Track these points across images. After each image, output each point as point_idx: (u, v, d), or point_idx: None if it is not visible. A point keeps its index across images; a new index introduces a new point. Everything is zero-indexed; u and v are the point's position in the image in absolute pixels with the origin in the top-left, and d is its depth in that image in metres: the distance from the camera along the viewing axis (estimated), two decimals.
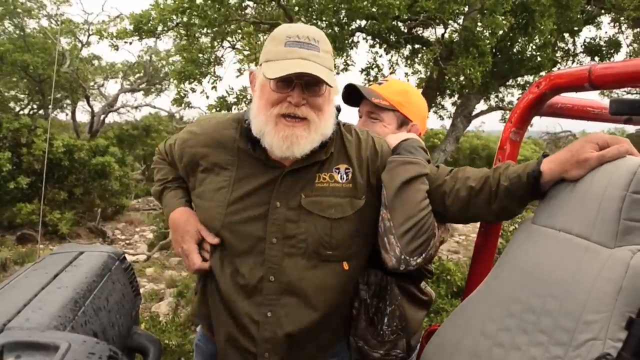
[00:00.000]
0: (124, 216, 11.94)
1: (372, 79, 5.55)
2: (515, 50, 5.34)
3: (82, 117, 17.81)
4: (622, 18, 5.87)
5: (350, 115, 1.88)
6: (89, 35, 13.07)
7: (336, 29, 5.17)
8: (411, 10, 4.67)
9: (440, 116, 7.06)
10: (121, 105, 15.41)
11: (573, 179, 1.19)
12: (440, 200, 1.39)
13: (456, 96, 6.09)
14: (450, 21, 5.20)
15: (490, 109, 6.68)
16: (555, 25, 4.77)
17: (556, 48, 5.68)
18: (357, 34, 5.67)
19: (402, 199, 1.34)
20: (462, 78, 4.68)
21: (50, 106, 12.66)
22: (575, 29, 5.56)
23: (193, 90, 5.31)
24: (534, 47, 5.26)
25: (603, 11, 5.89)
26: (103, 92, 15.12)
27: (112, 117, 15.70)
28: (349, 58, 5.67)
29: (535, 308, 1.15)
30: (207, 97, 5.23)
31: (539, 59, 5.24)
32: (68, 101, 13.76)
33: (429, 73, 5.67)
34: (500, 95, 6.66)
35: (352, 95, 1.74)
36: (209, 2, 4.97)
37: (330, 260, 1.38)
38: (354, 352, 1.60)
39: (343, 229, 1.37)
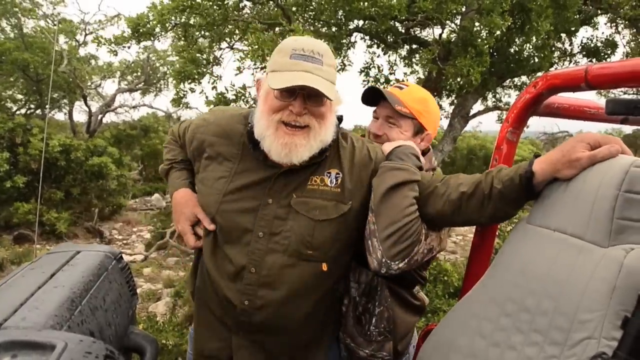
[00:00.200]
0: (122, 216, 11.91)
1: (371, 79, 5.55)
2: (512, 50, 5.35)
3: (80, 117, 17.81)
4: (618, 18, 5.89)
5: (367, 114, 1.87)
6: (86, 35, 13.06)
7: (334, 29, 5.17)
8: (409, 10, 4.68)
9: None
10: (119, 105, 15.41)
11: (565, 178, 1.19)
12: (432, 206, 1.41)
13: (454, 96, 6.09)
14: (447, 21, 5.20)
15: (488, 109, 6.69)
16: (552, 26, 4.78)
17: (553, 48, 5.69)
18: (355, 34, 5.67)
19: (387, 203, 1.37)
20: (459, 79, 4.68)
21: (47, 106, 12.63)
22: (572, 29, 5.56)
23: (192, 91, 5.30)
24: (531, 47, 5.27)
25: (600, 11, 5.90)
26: (100, 92, 15.11)
27: (109, 117, 15.70)
28: (346, 58, 5.67)
29: (530, 308, 1.16)
30: (206, 97, 5.23)
31: (536, 59, 5.24)
32: (65, 101, 13.73)
33: (426, 73, 5.67)
34: (498, 96, 6.67)
35: (371, 95, 1.73)
36: (209, 2, 4.96)
37: (310, 259, 1.43)
38: (343, 348, 1.66)
39: (325, 231, 1.42)
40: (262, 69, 4.83)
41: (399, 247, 1.33)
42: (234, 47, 5.75)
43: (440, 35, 5.48)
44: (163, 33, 5.43)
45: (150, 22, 5.18)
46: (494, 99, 6.67)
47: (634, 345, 0.94)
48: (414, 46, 5.95)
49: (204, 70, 5.26)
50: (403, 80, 5.67)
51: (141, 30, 5.23)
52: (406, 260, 1.35)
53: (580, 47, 6.25)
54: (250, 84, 5.07)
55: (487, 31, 4.61)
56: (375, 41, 5.86)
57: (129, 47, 5.55)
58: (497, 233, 1.79)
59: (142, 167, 15.82)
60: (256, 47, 4.36)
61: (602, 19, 6.29)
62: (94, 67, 14.50)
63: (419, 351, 1.54)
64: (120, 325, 1.25)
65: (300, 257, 1.42)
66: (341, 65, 5.72)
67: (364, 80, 5.61)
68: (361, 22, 5.42)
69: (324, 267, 1.45)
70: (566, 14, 4.91)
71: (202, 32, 5.37)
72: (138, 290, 1.66)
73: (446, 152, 5.85)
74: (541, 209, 1.26)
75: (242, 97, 5.01)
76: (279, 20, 5.10)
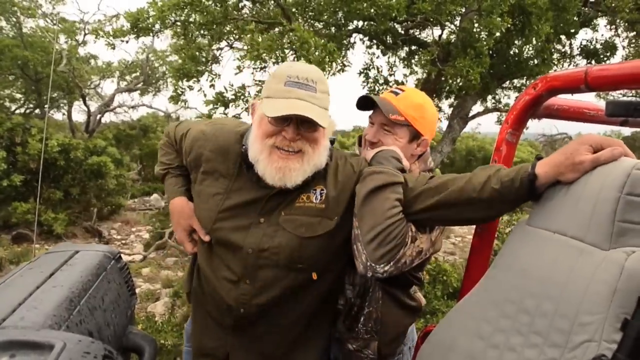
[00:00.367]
0: (120, 216, 11.91)
1: (371, 80, 5.55)
2: (512, 52, 5.35)
3: (79, 116, 17.79)
4: (618, 21, 5.89)
5: (366, 114, 1.86)
6: (85, 34, 13.05)
7: (333, 29, 5.17)
8: (408, 11, 4.67)
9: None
10: (117, 105, 15.39)
11: (568, 181, 1.19)
12: (421, 206, 1.40)
13: (453, 97, 6.09)
14: (447, 22, 5.20)
15: (487, 111, 6.68)
16: (552, 29, 4.78)
17: (552, 50, 5.69)
18: (354, 34, 5.67)
19: (368, 207, 1.37)
20: (458, 80, 4.68)
21: (46, 105, 12.61)
22: (572, 31, 5.56)
23: (190, 88, 5.29)
24: (530, 49, 5.27)
25: (599, 14, 5.91)
26: (99, 91, 15.09)
27: (108, 117, 15.70)
28: (345, 59, 5.67)
29: (530, 309, 1.16)
30: (205, 95, 5.22)
31: (535, 61, 5.24)
32: (64, 101, 13.71)
33: (426, 74, 5.67)
34: (497, 97, 6.67)
35: (366, 100, 1.71)
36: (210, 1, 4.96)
37: (300, 270, 1.47)
38: (334, 342, 1.71)
39: (312, 247, 1.45)
40: (262, 69, 4.84)
41: (383, 249, 1.32)
42: (233, 46, 5.75)
43: (440, 36, 5.48)
44: (162, 30, 5.42)
45: (150, 18, 5.16)
46: (493, 101, 6.66)
47: (634, 347, 0.94)
48: (413, 47, 5.94)
49: (203, 68, 5.26)
50: (401, 84, 5.68)
51: (140, 26, 5.21)
52: (392, 263, 1.34)
53: (579, 49, 6.26)
54: (250, 84, 5.07)
55: (486, 32, 4.61)
56: (375, 42, 5.86)
57: (127, 42, 5.52)
58: (496, 235, 1.79)
59: (141, 167, 15.82)
60: (251, 47, 4.36)
61: (601, 21, 6.30)
62: (93, 67, 14.48)
63: (418, 352, 1.54)
64: (119, 325, 1.25)
65: (291, 268, 1.46)
66: (340, 67, 5.71)
67: (363, 82, 5.61)
68: (360, 23, 5.41)
69: (314, 275, 1.49)
70: (566, 16, 4.91)
71: (202, 31, 5.36)
72: (137, 290, 1.67)
73: (445, 154, 5.85)
74: (542, 211, 1.26)
75: (242, 97, 5.00)
76: (279, 19, 5.09)
